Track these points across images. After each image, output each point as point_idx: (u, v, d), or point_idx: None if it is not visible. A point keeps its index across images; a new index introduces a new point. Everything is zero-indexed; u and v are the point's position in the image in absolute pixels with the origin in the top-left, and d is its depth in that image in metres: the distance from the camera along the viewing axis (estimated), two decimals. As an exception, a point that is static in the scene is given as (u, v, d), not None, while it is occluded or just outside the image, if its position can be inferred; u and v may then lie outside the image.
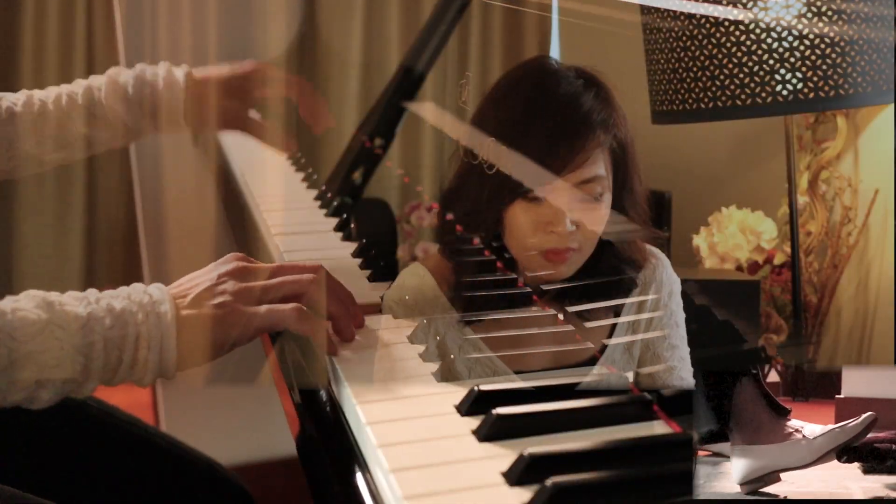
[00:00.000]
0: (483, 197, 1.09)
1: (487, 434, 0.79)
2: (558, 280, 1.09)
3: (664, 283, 1.15)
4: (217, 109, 1.30)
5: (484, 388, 0.84)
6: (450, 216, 1.14)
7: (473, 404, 0.83)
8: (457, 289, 1.11)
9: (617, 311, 1.14)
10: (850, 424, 0.80)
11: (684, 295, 1.17)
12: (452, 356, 1.07)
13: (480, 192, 1.09)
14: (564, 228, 1.05)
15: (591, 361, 1.11)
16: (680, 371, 1.13)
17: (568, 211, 1.05)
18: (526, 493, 0.70)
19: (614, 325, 1.13)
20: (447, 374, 0.95)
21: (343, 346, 0.97)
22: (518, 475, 0.72)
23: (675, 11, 1.34)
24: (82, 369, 0.85)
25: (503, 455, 0.76)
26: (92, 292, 0.89)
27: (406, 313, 1.06)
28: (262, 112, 2.26)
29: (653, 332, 1.14)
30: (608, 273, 1.11)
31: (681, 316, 1.16)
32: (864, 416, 0.80)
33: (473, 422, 0.81)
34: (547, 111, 1.06)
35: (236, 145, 1.86)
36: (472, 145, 1.11)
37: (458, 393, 0.86)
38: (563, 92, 1.07)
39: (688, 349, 1.15)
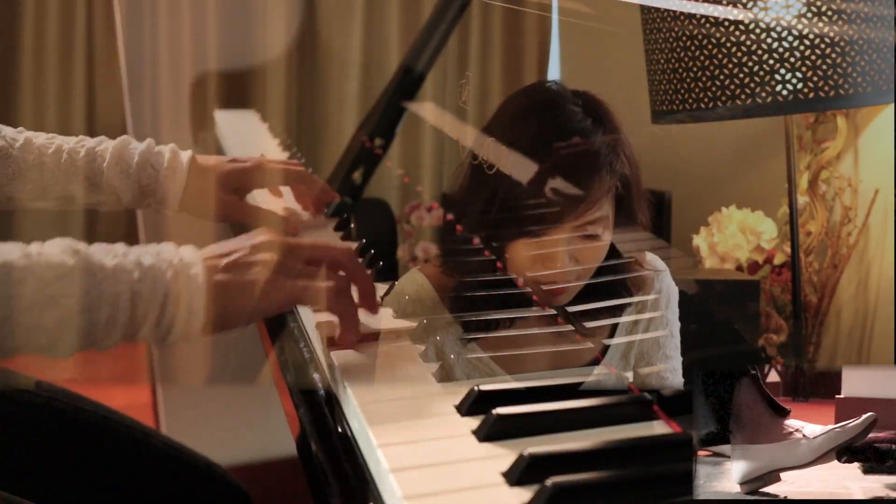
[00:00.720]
0: (487, 229, 1.08)
1: (487, 434, 0.79)
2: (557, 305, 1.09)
3: (662, 291, 1.14)
4: (215, 201, 1.31)
5: (484, 388, 0.84)
6: (450, 216, 1.14)
7: (473, 404, 0.83)
8: (456, 290, 1.11)
9: (616, 317, 1.14)
10: (851, 425, 0.80)
11: (685, 295, 1.17)
12: (450, 360, 1.07)
13: (485, 224, 1.08)
14: (563, 266, 1.04)
15: (591, 365, 1.11)
16: (670, 381, 1.13)
17: (567, 249, 1.04)
18: (526, 494, 0.70)
19: (613, 330, 1.13)
20: (444, 379, 0.95)
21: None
22: (518, 475, 0.72)
23: (675, 11, 1.34)
24: (107, 319, 0.85)
25: (503, 455, 0.76)
26: (120, 246, 0.89)
27: (405, 319, 1.06)
28: (263, 111, 2.26)
29: (650, 335, 1.14)
30: (609, 271, 1.11)
31: (676, 326, 1.15)
32: (864, 416, 0.80)
33: (473, 422, 0.81)
34: (552, 157, 1.04)
35: (239, 147, 1.87)
36: (478, 151, 1.11)
37: (458, 393, 0.86)
38: (570, 133, 1.05)
39: (680, 359, 1.14)
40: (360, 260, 1.26)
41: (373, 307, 0.99)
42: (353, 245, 1.00)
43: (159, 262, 0.88)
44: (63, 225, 2.31)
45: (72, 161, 1.27)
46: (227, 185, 1.31)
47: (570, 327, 1.10)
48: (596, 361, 1.11)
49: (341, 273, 0.95)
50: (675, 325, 1.15)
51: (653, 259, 1.17)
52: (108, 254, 0.87)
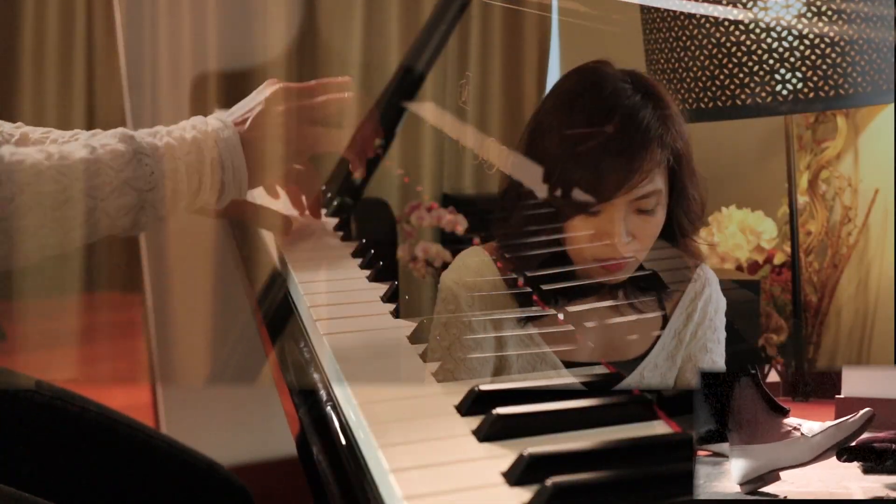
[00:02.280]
0: (540, 212, 1.09)
1: (487, 434, 0.79)
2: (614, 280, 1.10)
3: (711, 300, 1.15)
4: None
5: (484, 388, 0.84)
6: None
7: (473, 404, 0.84)
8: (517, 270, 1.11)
9: (665, 320, 1.14)
10: (849, 421, 0.80)
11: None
12: (506, 348, 1.07)
13: (538, 207, 1.09)
14: (621, 240, 1.05)
15: (637, 360, 1.11)
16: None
17: (623, 224, 1.05)
18: (526, 494, 0.70)
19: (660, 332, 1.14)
20: (499, 369, 0.99)
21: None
22: (518, 475, 0.72)
23: (674, 11, 1.34)
24: (171, 192, 0.97)
25: (503, 455, 0.76)
26: (160, 128, 1.00)
27: (463, 293, 1.07)
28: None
29: (696, 344, 1.14)
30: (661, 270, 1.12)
31: (722, 334, 1.16)
32: (861, 412, 0.80)
33: (473, 422, 0.81)
34: (603, 132, 1.05)
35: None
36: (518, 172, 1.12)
37: (458, 393, 0.86)
38: (621, 110, 1.06)
39: (723, 354, 1.15)
40: (360, 260, 1.26)
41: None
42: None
43: (199, 134, 1.00)
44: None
45: None
46: None
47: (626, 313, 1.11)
48: (643, 357, 1.11)
49: None
50: (722, 334, 1.16)
51: (706, 270, 1.17)
52: (156, 136, 0.98)
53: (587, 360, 1.10)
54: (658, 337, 1.13)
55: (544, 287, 1.08)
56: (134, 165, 0.94)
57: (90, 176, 0.92)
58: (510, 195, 1.16)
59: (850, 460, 0.80)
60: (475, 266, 1.11)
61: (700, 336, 1.14)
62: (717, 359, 1.15)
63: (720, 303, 1.17)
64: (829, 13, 1.27)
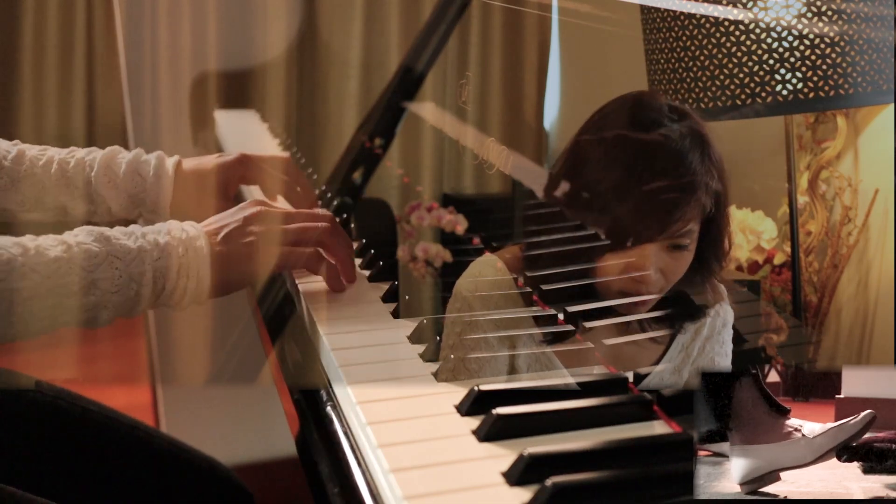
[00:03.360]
0: (574, 246, 1.09)
1: (487, 434, 0.79)
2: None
3: (720, 314, 1.15)
4: (203, 205, 1.33)
5: (484, 387, 0.84)
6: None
7: (473, 404, 0.83)
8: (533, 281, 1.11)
9: (674, 334, 1.14)
10: (850, 423, 0.80)
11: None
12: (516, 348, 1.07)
13: (572, 241, 1.09)
14: (650, 278, 1.05)
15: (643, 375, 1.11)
16: None
17: (654, 262, 1.05)
18: (526, 494, 0.70)
19: (668, 346, 1.13)
20: (511, 368, 1.00)
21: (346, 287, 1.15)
22: (518, 475, 0.72)
23: (674, 12, 1.34)
24: (135, 295, 1.00)
25: (503, 455, 0.76)
26: (136, 228, 1.03)
27: (481, 304, 1.07)
28: (263, 111, 2.27)
29: (704, 359, 1.14)
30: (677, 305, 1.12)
31: (730, 347, 1.16)
32: (863, 413, 0.80)
33: (473, 422, 0.81)
34: (650, 175, 1.05)
35: (236, 145, 1.87)
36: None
37: (458, 393, 0.86)
38: (671, 154, 1.05)
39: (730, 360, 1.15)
40: (360, 258, 1.26)
41: (350, 276, 1.16)
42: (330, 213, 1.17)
43: (172, 240, 1.02)
44: (63, 230, 2.31)
45: (62, 172, 1.28)
46: (215, 182, 1.31)
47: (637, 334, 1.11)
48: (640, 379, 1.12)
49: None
50: (729, 347, 1.16)
51: (716, 287, 1.17)
52: (130, 237, 1.01)
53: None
54: (665, 351, 1.13)
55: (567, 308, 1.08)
56: (104, 268, 0.98)
57: (61, 275, 0.97)
58: (544, 217, 1.15)
59: (850, 460, 0.80)
60: (491, 273, 1.11)
61: (708, 351, 1.14)
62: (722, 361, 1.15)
63: (728, 316, 1.16)
64: (829, 13, 1.27)
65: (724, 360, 1.15)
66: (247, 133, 2.09)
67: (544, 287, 1.11)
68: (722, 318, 1.15)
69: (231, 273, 1.06)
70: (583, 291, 1.09)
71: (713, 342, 1.14)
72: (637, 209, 1.05)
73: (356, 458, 0.80)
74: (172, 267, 1.02)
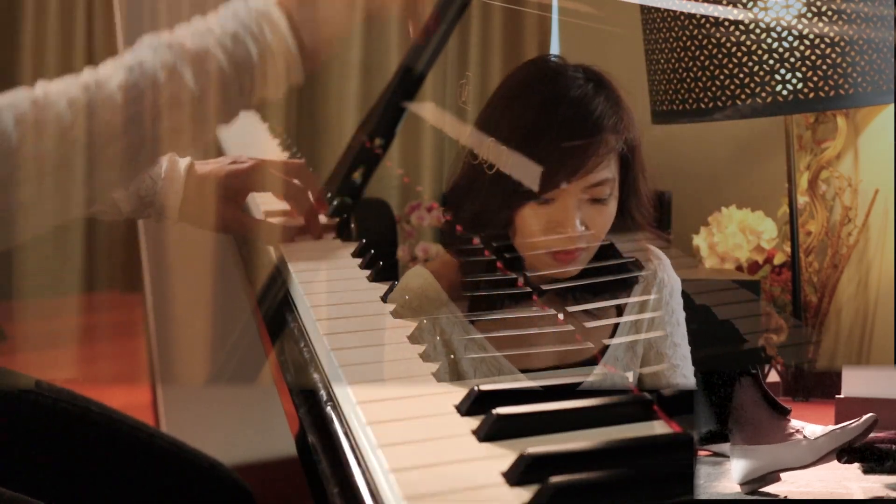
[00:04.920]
0: (492, 200, 1.09)
1: (487, 434, 0.78)
2: (564, 278, 1.09)
3: (665, 282, 1.15)
4: (212, 211, 1.31)
5: (484, 387, 0.84)
6: (448, 216, 1.14)
7: (473, 404, 0.83)
8: (462, 288, 1.11)
9: (619, 311, 1.14)
10: (851, 426, 0.80)
11: (684, 295, 1.17)
12: (453, 356, 1.07)
13: (490, 195, 1.09)
14: (574, 230, 1.05)
15: (594, 360, 1.11)
16: (683, 369, 1.13)
17: (577, 212, 1.05)
18: (526, 494, 0.70)
19: (617, 324, 1.14)
20: (453, 374, 0.96)
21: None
22: (518, 475, 0.72)
23: (675, 12, 1.34)
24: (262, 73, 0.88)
25: (503, 455, 0.76)
26: (198, 19, 0.91)
27: (410, 315, 1.06)
28: (264, 109, 2.26)
29: (655, 332, 1.14)
30: (610, 272, 1.11)
31: (681, 315, 1.16)
32: (864, 417, 0.80)
33: (473, 422, 0.81)
34: (557, 118, 1.06)
35: (238, 147, 1.86)
36: (475, 147, 1.11)
37: (458, 393, 0.86)
38: (573, 97, 1.07)
39: (688, 347, 1.15)
40: (360, 258, 1.26)
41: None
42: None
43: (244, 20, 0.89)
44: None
45: None
46: (227, 189, 1.31)
47: (571, 326, 1.10)
48: (603, 351, 1.11)
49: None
50: (681, 315, 1.16)
51: (656, 254, 1.17)
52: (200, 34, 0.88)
53: (543, 366, 1.10)
54: (614, 331, 1.13)
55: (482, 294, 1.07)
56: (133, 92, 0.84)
57: (96, 115, 0.83)
58: (460, 188, 1.15)
59: (850, 461, 0.80)
60: (417, 286, 1.11)
61: (657, 322, 1.14)
62: (678, 340, 1.15)
63: (675, 284, 1.16)
64: (829, 13, 1.27)
65: (676, 328, 1.15)
66: (246, 133, 2.09)
67: (472, 259, 1.11)
68: (669, 287, 1.15)
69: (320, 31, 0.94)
70: (511, 259, 1.09)
71: (662, 312, 1.14)
72: (549, 153, 1.04)
73: (356, 458, 0.80)
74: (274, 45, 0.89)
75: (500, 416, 0.79)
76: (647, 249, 1.16)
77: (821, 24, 1.27)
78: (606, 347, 1.12)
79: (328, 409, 0.90)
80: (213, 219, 1.31)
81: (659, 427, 0.81)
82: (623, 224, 1.11)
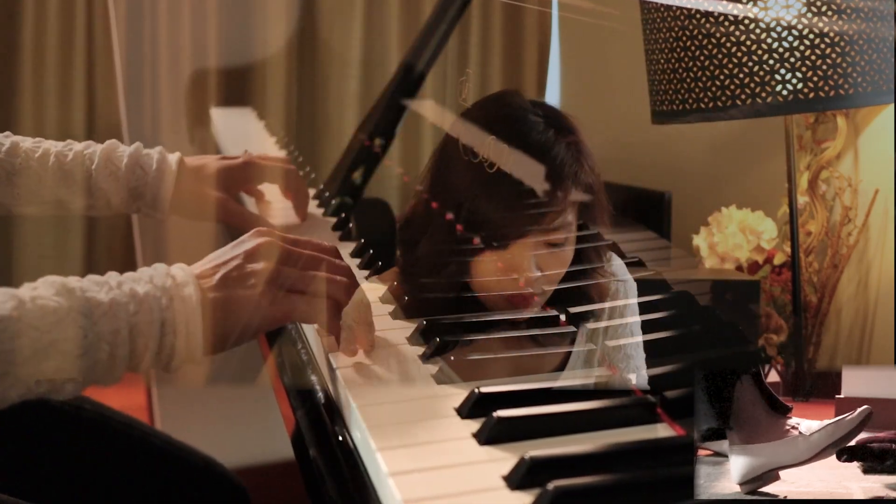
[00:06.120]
0: (447, 244, 1.08)
1: (488, 437, 0.78)
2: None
3: (620, 293, 1.14)
4: (206, 200, 1.30)
5: (485, 390, 0.84)
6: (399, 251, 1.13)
7: (474, 407, 0.83)
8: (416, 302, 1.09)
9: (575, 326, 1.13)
10: (846, 419, 0.80)
11: (688, 296, 1.17)
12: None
13: (445, 240, 1.08)
14: (530, 276, 1.04)
15: (555, 372, 1.10)
16: (634, 382, 1.11)
17: (532, 260, 1.04)
18: (527, 497, 0.70)
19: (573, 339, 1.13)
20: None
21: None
22: (519, 479, 0.72)
23: (675, 12, 1.34)
24: (108, 357, 0.82)
25: (504, 458, 0.76)
26: (112, 275, 0.86)
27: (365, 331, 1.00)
28: (263, 110, 2.26)
29: (611, 341, 1.13)
30: (573, 300, 1.10)
31: (636, 325, 1.15)
32: (859, 409, 0.80)
33: (474, 424, 0.81)
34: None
35: (235, 145, 1.87)
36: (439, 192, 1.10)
37: (458, 395, 0.86)
38: (532, 143, 1.04)
39: (643, 356, 1.13)
40: (360, 258, 1.26)
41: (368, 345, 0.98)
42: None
43: (153, 289, 0.84)
44: (62, 231, 2.31)
45: (59, 165, 1.26)
46: (217, 183, 1.31)
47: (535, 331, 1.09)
48: (560, 368, 1.10)
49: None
50: (636, 325, 1.14)
51: (617, 265, 1.16)
52: (102, 288, 0.83)
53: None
54: (567, 356, 1.11)
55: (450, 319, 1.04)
56: (65, 326, 0.80)
57: (6, 339, 0.78)
58: (415, 225, 1.14)
59: (850, 460, 0.80)
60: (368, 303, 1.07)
61: (611, 333, 1.13)
62: (630, 352, 1.12)
63: (629, 291, 1.15)
64: (830, 13, 1.27)
65: (631, 337, 1.13)
66: (243, 131, 2.09)
67: (421, 291, 1.08)
68: (623, 295, 1.14)
69: (229, 324, 0.87)
70: (467, 299, 1.08)
71: (615, 324, 1.13)
72: (507, 203, 1.03)
73: (355, 461, 0.80)
74: (154, 322, 0.83)
75: (500, 419, 0.79)
76: (606, 285, 1.15)
77: (821, 24, 1.27)
78: (565, 362, 1.11)
79: (326, 412, 0.90)
80: (206, 208, 1.30)
81: (662, 430, 0.81)
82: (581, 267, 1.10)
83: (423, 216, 1.13)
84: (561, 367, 1.11)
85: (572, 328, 1.10)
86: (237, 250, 0.91)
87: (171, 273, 0.87)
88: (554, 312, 1.08)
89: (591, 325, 1.11)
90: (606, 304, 1.13)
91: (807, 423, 0.81)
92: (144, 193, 1.28)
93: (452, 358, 0.92)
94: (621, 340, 1.13)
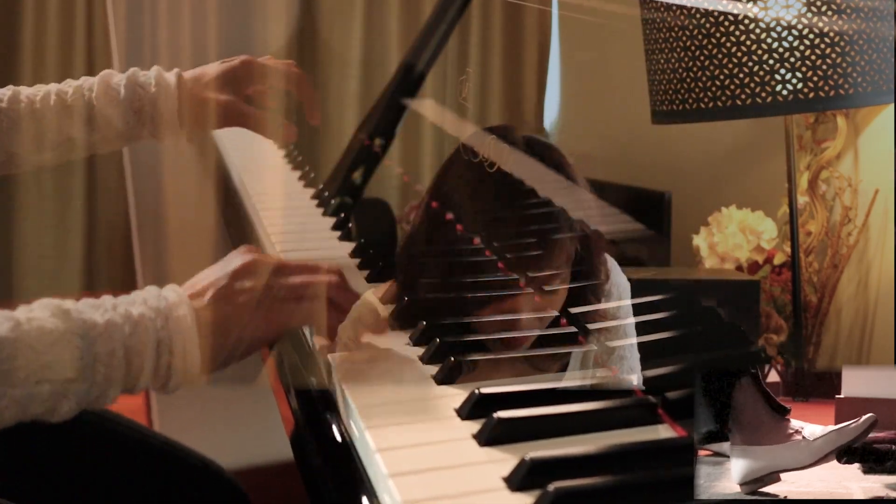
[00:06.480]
0: (450, 291, 1.08)
1: (488, 438, 0.78)
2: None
3: (613, 294, 1.13)
4: (211, 106, 1.27)
5: (485, 390, 0.84)
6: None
7: (474, 407, 0.83)
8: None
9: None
10: (851, 426, 0.80)
11: (690, 297, 1.17)
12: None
13: (447, 286, 1.08)
14: (523, 324, 1.04)
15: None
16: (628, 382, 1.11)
17: (526, 307, 1.04)
18: (528, 499, 0.70)
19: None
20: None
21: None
22: (520, 480, 0.72)
23: (675, 12, 1.34)
24: (103, 379, 0.82)
25: (504, 459, 0.75)
26: (107, 299, 0.86)
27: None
28: (260, 104, 2.26)
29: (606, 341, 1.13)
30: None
31: (630, 327, 1.14)
32: (864, 417, 0.80)
33: (474, 425, 0.81)
34: (513, 216, 1.04)
35: (233, 144, 1.86)
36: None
37: (458, 396, 0.86)
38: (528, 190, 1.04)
39: (637, 356, 1.12)
40: (359, 258, 1.26)
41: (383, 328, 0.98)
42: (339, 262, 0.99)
43: (147, 311, 0.85)
44: (63, 230, 2.31)
45: (61, 101, 1.25)
46: (221, 86, 1.28)
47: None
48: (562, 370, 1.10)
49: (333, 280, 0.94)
50: (630, 327, 1.12)
51: (611, 265, 1.15)
52: (98, 310, 0.84)
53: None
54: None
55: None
56: (61, 347, 0.80)
57: (3, 360, 0.78)
58: (413, 258, 1.13)
59: (850, 461, 0.80)
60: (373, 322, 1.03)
61: (605, 334, 1.12)
62: (624, 353, 1.11)
63: (623, 293, 1.14)
64: (829, 13, 1.27)
65: (625, 338, 1.13)
66: (242, 130, 2.08)
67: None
68: (616, 297, 1.13)
69: (226, 341, 0.88)
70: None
71: (613, 330, 1.12)
72: (506, 256, 1.03)
73: (354, 461, 0.80)
74: (150, 342, 0.84)
75: (501, 420, 0.79)
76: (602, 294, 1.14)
77: (821, 24, 1.27)
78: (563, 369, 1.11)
79: (325, 413, 0.90)
80: (214, 114, 1.27)
81: (663, 431, 0.81)
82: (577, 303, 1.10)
83: (421, 250, 1.13)
84: (561, 370, 1.10)
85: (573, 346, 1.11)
86: (226, 268, 0.91)
87: (164, 295, 0.87)
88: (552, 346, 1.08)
89: (591, 326, 1.11)
90: (600, 306, 1.13)
91: (810, 428, 0.81)
92: (148, 112, 1.26)
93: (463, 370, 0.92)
94: (615, 342, 1.12)
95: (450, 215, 1.10)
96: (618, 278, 1.15)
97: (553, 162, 1.07)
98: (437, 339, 0.97)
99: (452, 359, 0.93)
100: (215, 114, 1.28)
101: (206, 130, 1.32)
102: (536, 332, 1.06)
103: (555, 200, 1.05)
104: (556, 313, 1.07)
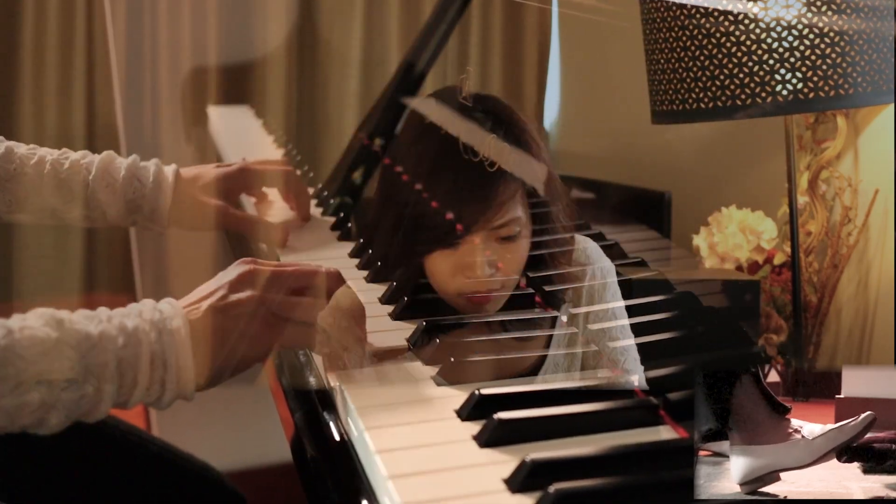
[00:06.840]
0: (401, 245, 1.09)
1: (489, 439, 0.78)
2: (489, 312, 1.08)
3: (595, 275, 1.13)
4: (204, 209, 1.30)
5: (485, 391, 0.84)
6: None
7: (474, 409, 0.83)
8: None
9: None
10: (849, 425, 0.80)
11: (691, 297, 1.17)
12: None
13: (399, 239, 1.09)
14: (482, 274, 1.04)
15: (535, 370, 1.10)
16: (624, 364, 1.10)
17: (484, 255, 1.04)
18: (528, 500, 0.70)
19: (550, 335, 1.12)
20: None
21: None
22: (520, 482, 0.72)
23: (675, 11, 1.34)
24: (95, 391, 0.81)
25: (505, 461, 0.76)
26: (102, 310, 0.85)
27: (337, 335, 0.99)
28: (262, 108, 2.26)
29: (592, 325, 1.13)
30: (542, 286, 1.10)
31: (619, 309, 1.14)
32: (862, 415, 0.80)
33: (474, 427, 0.81)
34: (454, 162, 1.05)
35: (232, 144, 1.86)
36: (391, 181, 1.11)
37: (458, 397, 0.86)
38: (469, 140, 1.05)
39: (632, 338, 1.12)
40: (359, 259, 1.26)
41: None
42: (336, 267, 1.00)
43: (142, 323, 0.84)
44: (62, 232, 2.31)
45: (55, 173, 1.25)
46: (215, 191, 1.31)
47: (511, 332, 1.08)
48: (536, 369, 1.10)
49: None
50: (619, 309, 1.13)
51: (583, 248, 1.15)
52: (92, 321, 0.83)
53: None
54: (549, 341, 1.11)
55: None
56: (52, 358, 0.79)
57: None
58: (370, 227, 1.15)
59: (850, 461, 0.80)
60: (346, 308, 1.03)
61: (592, 317, 1.12)
62: (616, 334, 1.12)
63: (607, 274, 1.14)
64: (829, 13, 1.27)
65: (612, 320, 1.13)
66: (240, 130, 2.09)
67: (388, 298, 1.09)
68: (601, 276, 1.14)
69: (220, 355, 0.87)
70: (428, 301, 1.08)
71: (597, 308, 1.12)
72: (447, 198, 1.03)
73: (354, 464, 0.80)
74: (143, 356, 0.82)
75: (501, 421, 0.79)
76: (575, 249, 1.14)
77: (820, 24, 1.27)
78: (545, 357, 1.11)
79: (325, 414, 0.89)
80: (205, 217, 1.30)
81: (664, 432, 0.81)
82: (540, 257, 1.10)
83: (379, 216, 1.16)
84: (544, 349, 1.10)
85: (545, 314, 1.10)
86: (221, 281, 0.90)
87: (159, 307, 0.87)
88: (531, 290, 1.09)
89: (572, 310, 1.11)
90: (577, 285, 1.13)
91: (809, 427, 0.81)
92: (142, 206, 1.27)
93: (438, 343, 0.93)
94: (605, 324, 1.12)
95: (399, 168, 1.11)
96: (600, 261, 1.15)
97: (504, 114, 1.09)
98: (437, 339, 0.97)
99: (424, 322, 0.94)
100: (208, 217, 1.30)
101: (195, 230, 1.34)
102: (506, 283, 1.07)
103: (500, 157, 1.06)
104: (516, 274, 1.07)
